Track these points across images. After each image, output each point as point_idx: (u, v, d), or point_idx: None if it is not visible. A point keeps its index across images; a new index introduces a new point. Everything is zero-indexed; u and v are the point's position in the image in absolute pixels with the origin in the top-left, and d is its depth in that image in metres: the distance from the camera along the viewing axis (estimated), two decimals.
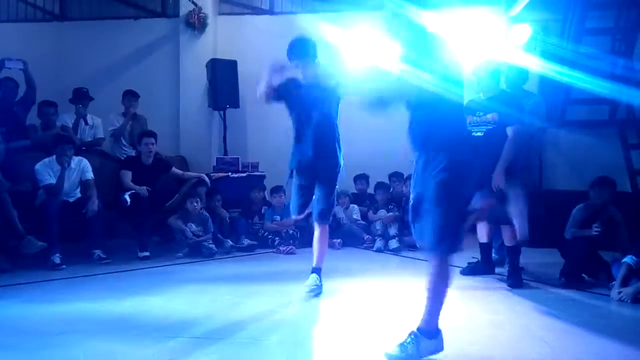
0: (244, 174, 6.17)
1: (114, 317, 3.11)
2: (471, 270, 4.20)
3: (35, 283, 3.98)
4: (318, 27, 6.04)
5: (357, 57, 4.89)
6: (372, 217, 5.73)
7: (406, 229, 5.64)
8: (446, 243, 2.37)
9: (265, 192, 5.95)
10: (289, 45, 3.57)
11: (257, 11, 7.20)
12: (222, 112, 6.68)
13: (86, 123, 5.79)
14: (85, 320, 3.03)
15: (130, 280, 4.11)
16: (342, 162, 3.67)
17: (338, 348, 2.63)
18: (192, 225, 5.16)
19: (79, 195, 4.93)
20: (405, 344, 2.39)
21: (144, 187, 5.15)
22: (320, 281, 3.65)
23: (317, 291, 3.58)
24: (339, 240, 5.52)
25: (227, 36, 7.08)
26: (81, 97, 5.82)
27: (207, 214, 5.29)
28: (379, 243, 5.43)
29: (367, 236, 5.61)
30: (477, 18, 5.96)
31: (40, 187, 4.74)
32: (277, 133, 6.42)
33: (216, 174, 6.08)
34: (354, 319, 3.12)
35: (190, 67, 6.86)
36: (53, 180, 4.73)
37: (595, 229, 3.89)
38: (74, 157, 4.92)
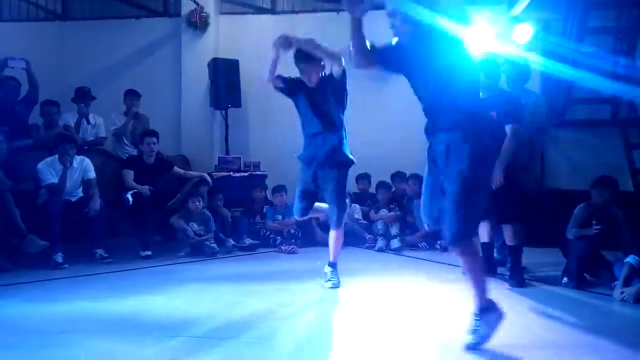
0: (245, 174, 6.18)
1: (116, 316, 3.11)
2: None
3: (37, 282, 3.99)
4: (320, 26, 6.06)
5: None
6: (374, 217, 5.73)
7: (407, 229, 5.65)
8: (471, 231, 2.50)
9: (267, 191, 5.95)
10: (295, 51, 3.63)
11: (259, 10, 7.20)
12: (223, 112, 6.69)
13: (88, 122, 5.80)
14: (86, 320, 3.04)
15: (132, 279, 4.12)
16: (350, 157, 3.74)
17: (340, 347, 2.63)
18: (194, 224, 5.17)
19: (81, 194, 4.94)
20: (475, 328, 2.52)
21: (146, 187, 5.15)
22: (337, 275, 3.83)
23: (337, 285, 3.76)
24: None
25: (229, 35, 7.08)
26: (83, 97, 5.82)
27: (209, 214, 5.29)
28: (380, 242, 5.42)
29: (368, 236, 5.60)
30: (479, 18, 5.95)
31: (43, 186, 4.75)
32: (279, 132, 6.45)
33: (218, 174, 6.09)
34: (355, 318, 3.12)
35: (192, 66, 6.87)
36: (55, 180, 4.74)
37: (595, 227, 3.88)
38: (76, 156, 4.92)
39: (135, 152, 5.82)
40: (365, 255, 5.23)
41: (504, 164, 3.75)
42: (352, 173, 4.30)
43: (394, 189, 5.94)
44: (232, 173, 6.13)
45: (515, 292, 3.71)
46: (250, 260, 5.02)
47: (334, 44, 3.57)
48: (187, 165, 6.31)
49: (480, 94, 3.92)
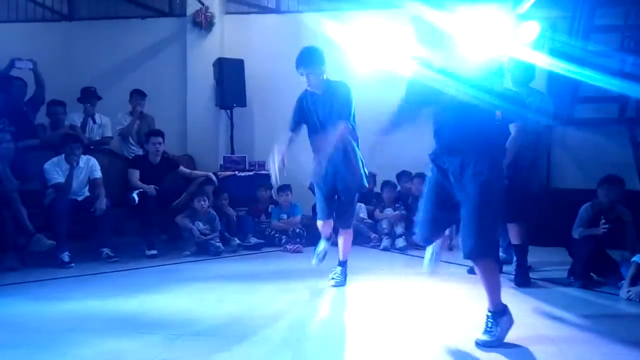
0: (250, 173, 6.19)
1: (122, 315, 3.13)
2: None
3: (43, 281, 4.01)
4: (324, 26, 6.06)
5: (363, 56, 4.88)
6: (379, 216, 5.73)
7: (413, 228, 5.63)
8: (492, 246, 2.54)
9: (272, 190, 5.96)
10: (298, 56, 3.63)
11: (264, 10, 7.20)
12: (229, 111, 6.70)
13: (94, 122, 5.82)
14: (93, 318, 3.05)
15: (137, 278, 4.14)
16: (364, 171, 3.72)
17: (345, 346, 2.63)
18: (200, 223, 5.18)
19: (87, 194, 4.97)
20: (489, 328, 2.55)
21: (152, 186, 5.18)
22: (344, 274, 3.87)
23: (340, 283, 3.80)
24: None
25: (234, 35, 7.09)
26: (89, 96, 5.85)
27: (214, 213, 5.31)
28: (385, 242, 5.42)
29: (373, 235, 5.60)
30: (485, 16, 5.93)
31: (49, 186, 4.78)
32: (284, 132, 6.44)
33: (223, 173, 6.10)
34: (360, 317, 3.12)
35: (197, 66, 6.87)
36: (62, 179, 4.77)
37: (603, 227, 3.86)
38: (82, 156, 4.95)
39: (141, 152, 5.85)
40: (370, 254, 5.23)
41: (508, 162, 3.74)
42: None
43: (399, 188, 5.93)
44: (237, 172, 6.15)
45: (521, 292, 3.70)
46: (255, 259, 5.03)
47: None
48: (193, 165, 6.33)
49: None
